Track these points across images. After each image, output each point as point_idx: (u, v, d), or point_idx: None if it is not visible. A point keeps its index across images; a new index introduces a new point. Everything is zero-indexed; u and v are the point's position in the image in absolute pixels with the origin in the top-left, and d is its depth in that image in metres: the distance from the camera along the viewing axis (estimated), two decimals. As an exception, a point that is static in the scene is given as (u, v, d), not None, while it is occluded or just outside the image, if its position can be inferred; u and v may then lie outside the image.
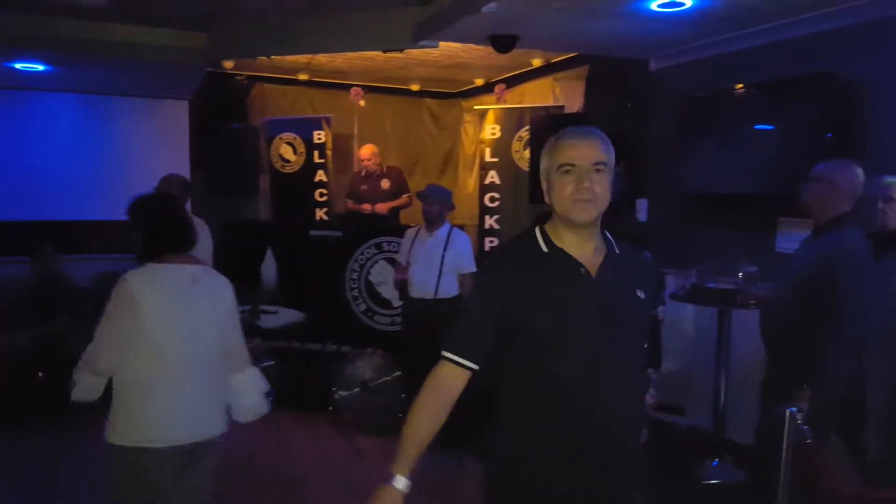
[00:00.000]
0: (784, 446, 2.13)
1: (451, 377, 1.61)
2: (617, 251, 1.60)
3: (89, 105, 6.36)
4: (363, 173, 5.88)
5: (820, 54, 3.55)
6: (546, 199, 1.56)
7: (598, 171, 1.48)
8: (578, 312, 1.52)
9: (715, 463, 3.53)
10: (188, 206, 3.99)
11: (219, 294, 2.26)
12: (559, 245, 1.56)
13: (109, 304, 2.06)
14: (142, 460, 2.04)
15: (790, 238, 3.74)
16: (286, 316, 5.02)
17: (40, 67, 5.38)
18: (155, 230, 2.16)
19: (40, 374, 4.57)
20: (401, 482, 1.53)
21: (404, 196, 5.84)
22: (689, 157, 4.24)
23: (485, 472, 1.69)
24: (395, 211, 5.82)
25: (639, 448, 1.66)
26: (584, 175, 1.48)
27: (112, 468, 2.07)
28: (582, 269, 1.54)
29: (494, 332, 1.55)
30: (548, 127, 4.82)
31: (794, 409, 2.16)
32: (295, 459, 3.88)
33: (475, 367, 1.59)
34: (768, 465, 2.32)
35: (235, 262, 5.11)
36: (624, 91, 4.94)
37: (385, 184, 5.84)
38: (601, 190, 1.49)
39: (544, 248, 1.57)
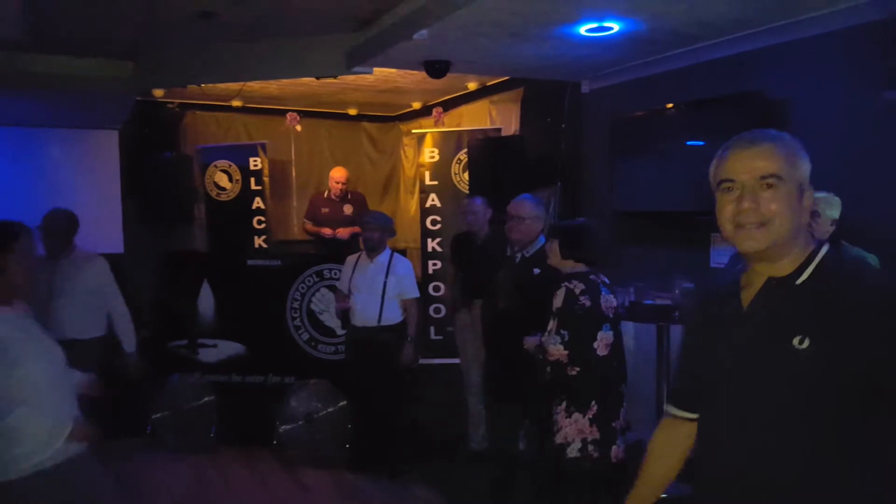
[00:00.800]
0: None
1: (676, 430, 1.48)
2: (798, 281, 1.21)
3: (12, 138, 6.05)
4: (326, 195, 5.82)
5: (746, 74, 3.70)
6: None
7: (768, 186, 1.19)
8: (719, 354, 1.27)
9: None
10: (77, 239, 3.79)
11: None
12: (742, 281, 1.28)
13: None
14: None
15: (724, 253, 3.86)
16: (226, 349, 4.87)
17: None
18: None
19: None
20: None
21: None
22: (622, 177, 4.34)
23: None
24: (355, 236, 5.75)
25: None
26: (747, 192, 1.20)
27: None
28: (736, 302, 1.26)
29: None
30: (485, 149, 4.87)
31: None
32: (238, 498, 3.72)
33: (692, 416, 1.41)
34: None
35: (172, 294, 4.95)
36: (558, 112, 5.05)
37: (347, 209, 5.82)
38: (777, 209, 1.18)
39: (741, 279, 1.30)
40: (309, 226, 5.87)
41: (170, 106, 6.45)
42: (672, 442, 1.47)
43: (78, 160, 6.19)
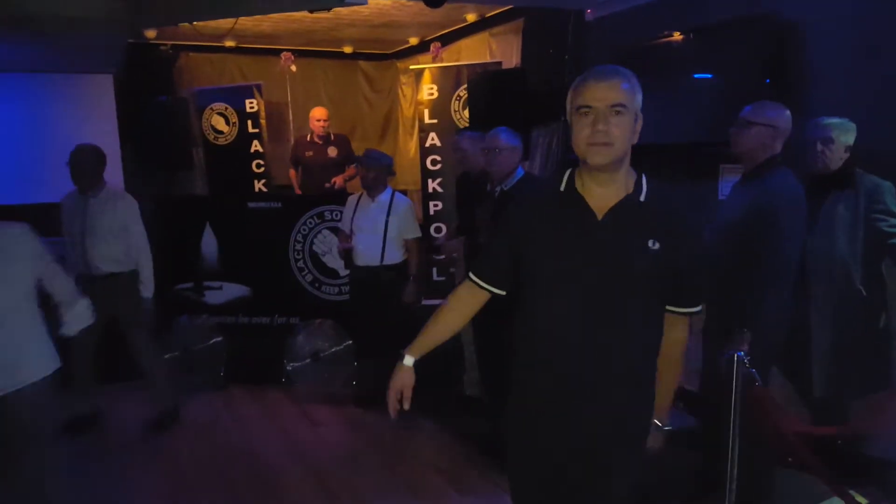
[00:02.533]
0: (733, 389, 2.19)
1: (473, 294, 1.76)
2: (642, 198, 1.56)
3: (7, 84, 5.94)
4: (309, 138, 5.71)
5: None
6: (572, 143, 1.55)
7: (616, 113, 1.47)
8: (576, 256, 1.55)
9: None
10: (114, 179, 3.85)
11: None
12: (579, 188, 1.57)
13: None
14: None
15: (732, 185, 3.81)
16: (231, 291, 4.90)
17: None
18: None
19: None
20: (410, 360, 1.81)
21: (351, 167, 5.73)
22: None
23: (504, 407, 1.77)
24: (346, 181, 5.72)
25: (641, 405, 1.65)
26: (600, 117, 1.47)
27: None
28: (588, 213, 1.54)
29: (510, 263, 1.66)
30: (485, 84, 4.74)
31: (741, 353, 2.21)
32: (249, 433, 3.82)
33: (495, 290, 1.73)
34: (716, 410, 2.39)
35: (174, 239, 4.95)
36: (561, 44, 4.89)
37: (332, 151, 5.71)
38: (619, 133, 1.47)
39: (561, 188, 1.60)
40: (293, 173, 5.81)
41: (163, 48, 6.29)
42: (470, 303, 1.78)
43: (74, 105, 6.09)
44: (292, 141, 6.12)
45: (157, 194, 5.46)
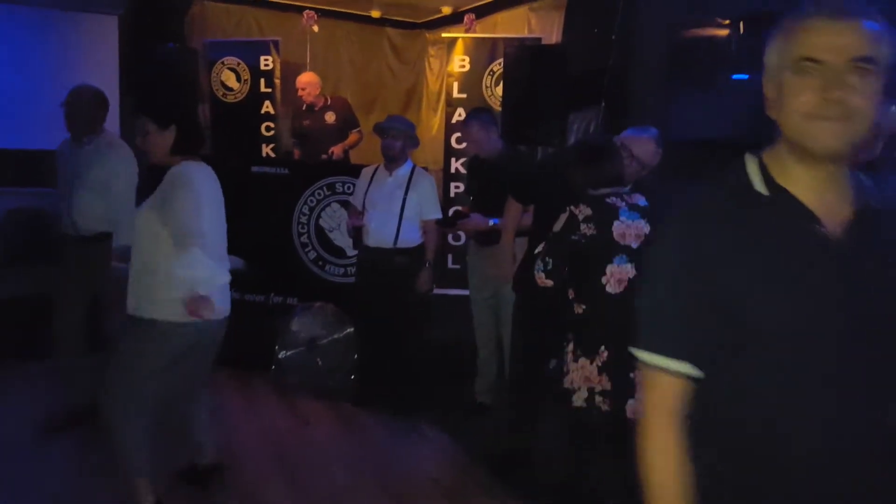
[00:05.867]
0: None
1: (666, 394, 1.05)
2: (879, 205, 1.03)
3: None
4: (304, 107, 5.30)
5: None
6: (771, 113, 1.03)
7: (859, 71, 0.95)
8: (812, 295, 0.98)
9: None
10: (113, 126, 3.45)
11: None
12: (784, 185, 1.02)
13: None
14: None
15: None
16: (226, 262, 4.48)
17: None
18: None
19: None
20: None
21: (353, 133, 5.33)
22: (680, 98, 3.80)
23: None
24: (347, 151, 5.31)
25: None
26: (834, 77, 0.96)
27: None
28: (818, 227, 1.00)
29: (706, 316, 1.01)
30: (524, 60, 4.30)
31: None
32: (227, 426, 3.39)
33: (690, 371, 1.03)
34: None
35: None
36: (608, 22, 4.43)
37: (329, 117, 5.32)
38: (862, 102, 0.95)
39: (762, 190, 1.03)
40: (297, 153, 5.45)
41: (175, -8, 5.85)
42: (666, 408, 1.05)
43: (73, 45, 5.66)
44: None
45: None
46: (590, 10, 4.67)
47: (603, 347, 2.24)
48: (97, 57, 5.72)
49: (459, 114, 4.93)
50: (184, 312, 2.27)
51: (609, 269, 2.23)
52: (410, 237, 3.53)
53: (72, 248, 3.31)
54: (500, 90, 4.78)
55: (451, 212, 4.69)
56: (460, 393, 3.79)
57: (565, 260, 2.25)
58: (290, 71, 5.97)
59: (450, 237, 4.79)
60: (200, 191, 2.39)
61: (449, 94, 5.06)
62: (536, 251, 2.34)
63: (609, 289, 2.24)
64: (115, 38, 5.79)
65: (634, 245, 2.26)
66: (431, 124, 6.27)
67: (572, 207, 2.26)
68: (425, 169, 3.99)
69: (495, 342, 3.59)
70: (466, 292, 3.79)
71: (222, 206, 2.65)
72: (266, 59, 5.66)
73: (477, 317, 3.65)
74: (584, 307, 2.28)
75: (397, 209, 3.50)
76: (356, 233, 3.68)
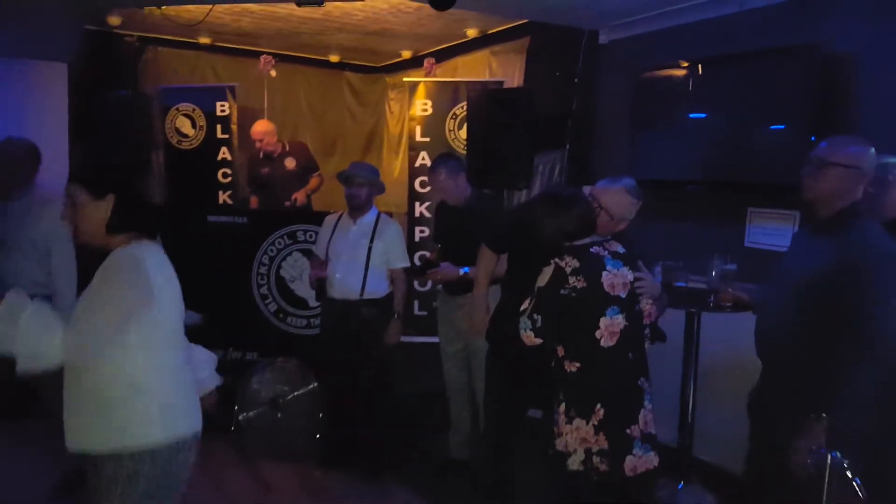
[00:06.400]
0: (824, 496, 1.68)
1: None
2: None
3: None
4: (261, 155, 5.18)
5: (799, 24, 3.17)
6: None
7: None
8: None
9: (681, 486, 3.12)
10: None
11: None
12: None
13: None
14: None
15: (762, 231, 3.37)
16: (182, 317, 4.24)
17: None
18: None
19: None
20: None
21: (314, 177, 5.23)
22: (645, 141, 3.80)
23: None
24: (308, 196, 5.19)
25: None
26: None
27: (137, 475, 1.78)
28: None
29: None
30: (488, 103, 4.27)
31: (836, 453, 1.70)
32: (185, 498, 3.12)
33: None
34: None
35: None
36: (570, 66, 4.46)
37: (290, 163, 5.21)
38: None
39: None
40: (254, 200, 5.31)
41: (128, 39, 5.70)
42: None
43: (20, 94, 5.43)
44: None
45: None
46: (551, 53, 4.70)
47: (599, 405, 2.11)
48: (46, 105, 5.50)
49: (423, 157, 4.86)
50: (161, 429, 1.80)
51: (602, 322, 2.12)
52: (377, 287, 3.39)
53: None
54: (463, 133, 4.74)
55: (417, 258, 4.57)
56: (433, 448, 3.60)
57: (555, 316, 2.13)
58: (248, 116, 5.84)
59: (416, 283, 4.65)
60: (153, 282, 1.77)
61: (412, 137, 4.99)
62: (522, 308, 2.20)
63: (603, 343, 2.13)
64: (65, 84, 5.60)
65: (623, 295, 2.16)
66: (393, 167, 6.19)
67: (557, 260, 2.14)
68: (389, 214, 3.87)
69: (468, 394, 3.44)
70: (434, 339, 3.64)
71: (180, 300, 2.01)
72: (222, 105, 5.52)
73: (447, 369, 3.49)
74: (577, 364, 2.15)
75: (363, 258, 3.35)
76: (319, 284, 3.51)
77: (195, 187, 5.49)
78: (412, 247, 4.78)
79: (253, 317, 4.20)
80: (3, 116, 5.11)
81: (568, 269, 2.10)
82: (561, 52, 4.58)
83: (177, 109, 5.58)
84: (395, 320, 3.40)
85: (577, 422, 2.12)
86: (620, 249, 2.24)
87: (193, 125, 5.57)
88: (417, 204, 4.93)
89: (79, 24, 4.78)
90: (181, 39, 5.81)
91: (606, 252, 2.19)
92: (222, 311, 4.16)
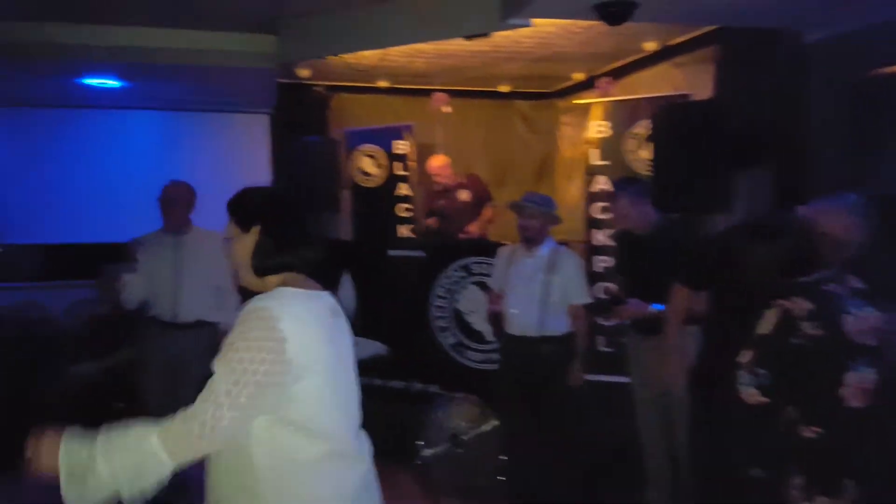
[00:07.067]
0: None
1: None
2: None
3: (165, 122, 6.14)
4: (438, 188, 5.31)
5: None
6: None
7: None
8: None
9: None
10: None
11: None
12: None
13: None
14: None
15: None
16: (367, 348, 4.39)
17: (114, 83, 5.13)
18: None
19: (120, 404, 4.20)
20: None
21: (488, 209, 5.20)
22: (870, 151, 3.23)
23: None
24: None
25: None
26: None
27: None
28: None
29: None
30: (675, 119, 3.92)
31: None
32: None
33: None
34: None
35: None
36: (769, 72, 3.97)
37: (464, 195, 5.26)
38: None
39: None
40: (433, 221, 5.43)
41: (316, 89, 6.18)
42: None
43: (229, 144, 6.17)
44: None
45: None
46: (746, 60, 4.23)
47: (849, 482, 1.74)
48: (251, 152, 6.18)
49: (601, 182, 4.61)
50: None
51: (848, 377, 1.76)
52: (556, 324, 3.21)
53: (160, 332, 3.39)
54: (646, 153, 4.42)
55: (601, 292, 4.30)
56: (627, 501, 3.30)
57: (784, 370, 1.80)
58: (425, 152, 6.03)
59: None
60: (291, 355, 1.38)
61: (588, 161, 4.77)
62: (742, 359, 1.88)
63: (852, 403, 1.76)
64: (266, 134, 6.24)
65: (872, 343, 1.77)
66: (568, 193, 5.98)
67: (784, 302, 1.81)
68: (565, 244, 3.69)
69: (667, 446, 3.09)
70: (623, 379, 3.36)
71: (349, 358, 1.60)
72: (400, 144, 5.75)
73: (643, 417, 3.18)
74: (816, 430, 1.79)
75: (539, 293, 3.21)
76: (495, 319, 3.42)
77: (378, 222, 5.76)
78: (592, 278, 4.53)
79: (432, 349, 4.23)
80: (213, 164, 5.81)
81: (799, 313, 1.76)
82: (757, 57, 4.10)
83: (360, 150, 5.91)
84: (577, 359, 3.19)
85: (821, 500, 1.74)
86: (860, 285, 1.85)
87: (376, 164, 5.86)
88: (596, 231, 4.67)
89: (273, 75, 5.27)
90: (362, 85, 6.16)
91: (845, 289, 1.82)
92: (405, 342, 4.27)
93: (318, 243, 1.58)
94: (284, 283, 1.51)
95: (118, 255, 5.11)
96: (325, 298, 1.56)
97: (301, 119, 6.03)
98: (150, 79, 5.05)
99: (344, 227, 6.14)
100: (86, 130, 5.96)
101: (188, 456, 1.36)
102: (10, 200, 5.71)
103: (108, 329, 4.75)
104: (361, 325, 4.35)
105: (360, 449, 1.59)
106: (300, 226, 1.57)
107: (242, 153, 6.17)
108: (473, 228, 5.14)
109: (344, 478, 1.49)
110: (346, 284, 4.48)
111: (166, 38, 4.47)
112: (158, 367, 3.37)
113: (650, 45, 4.86)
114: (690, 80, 4.69)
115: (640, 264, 3.14)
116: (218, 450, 1.42)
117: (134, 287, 3.40)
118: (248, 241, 1.52)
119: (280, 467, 1.42)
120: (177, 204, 3.45)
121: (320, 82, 6.07)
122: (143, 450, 1.33)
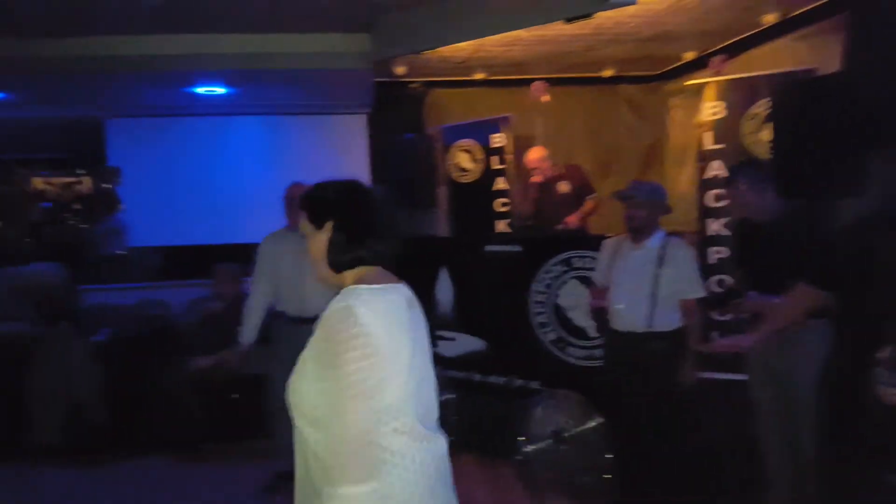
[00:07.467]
0: None
1: None
2: None
3: (270, 127, 6.41)
4: (536, 181, 5.21)
5: None
6: None
7: None
8: None
9: None
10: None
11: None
12: None
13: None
14: None
15: None
16: (465, 344, 4.37)
17: (221, 90, 5.40)
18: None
19: (235, 395, 4.49)
20: None
21: (589, 200, 5.01)
22: None
23: None
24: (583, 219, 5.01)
25: None
26: None
27: None
28: None
29: None
30: (798, 97, 3.56)
31: None
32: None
33: None
34: None
35: (409, 282, 4.59)
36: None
37: (563, 187, 5.11)
38: None
39: None
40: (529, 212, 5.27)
41: (413, 86, 6.20)
42: None
43: (330, 145, 6.34)
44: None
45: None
46: (881, 28, 3.77)
47: None
48: (351, 152, 6.32)
49: (716, 167, 4.29)
50: None
51: None
52: (667, 319, 3.00)
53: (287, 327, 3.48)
54: (765, 135, 4.05)
55: (716, 285, 4.00)
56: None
57: None
58: (524, 144, 5.89)
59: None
60: (378, 345, 1.38)
61: (701, 145, 4.45)
62: (881, 355, 1.66)
63: None
64: (365, 134, 6.36)
65: None
66: (679, 181, 5.63)
67: None
68: (678, 235, 3.44)
69: (788, 448, 2.80)
70: (742, 377, 3.09)
71: (425, 350, 1.54)
72: (497, 137, 5.65)
73: (761, 417, 2.91)
74: None
75: (648, 287, 3.00)
76: (599, 315, 3.25)
77: (475, 217, 5.70)
78: (706, 269, 4.22)
79: (533, 345, 4.10)
80: (315, 166, 5.97)
81: None
82: (893, 24, 3.65)
83: (456, 146, 5.87)
84: (690, 357, 2.96)
85: None
86: None
87: (472, 159, 5.80)
88: (711, 221, 4.35)
89: (368, 75, 5.33)
90: (458, 79, 6.12)
91: None
92: (504, 338, 4.17)
93: (391, 235, 1.55)
94: (360, 277, 1.51)
95: (232, 256, 5.40)
96: (401, 290, 1.53)
97: (398, 117, 6.10)
98: (254, 84, 5.26)
99: (441, 224, 6.13)
100: (197, 137, 6.32)
101: (356, 471, 1.37)
102: (132, 207, 6.16)
103: (222, 324, 5.00)
104: (460, 320, 4.34)
105: (438, 437, 1.55)
106: (372, 219, 1.54)
107: (342, 154, 6.33)
108: (572, 220, 4.96)
109: (423, 460, 1.47)
110: (444, 280, 4.46)
111: (265, 44, 4.63)
112: (286, 360, 3.47)
113: (769, 18, 4.47)
114: (815, 54, 4.26)
115: (759, 255, 2.85)
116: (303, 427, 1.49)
117: (259, 284, 3.55)
118: (322, 238, 1.53)
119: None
120: (297, 203, 3.56)
121: (416, 79, 6.10)
122: None
